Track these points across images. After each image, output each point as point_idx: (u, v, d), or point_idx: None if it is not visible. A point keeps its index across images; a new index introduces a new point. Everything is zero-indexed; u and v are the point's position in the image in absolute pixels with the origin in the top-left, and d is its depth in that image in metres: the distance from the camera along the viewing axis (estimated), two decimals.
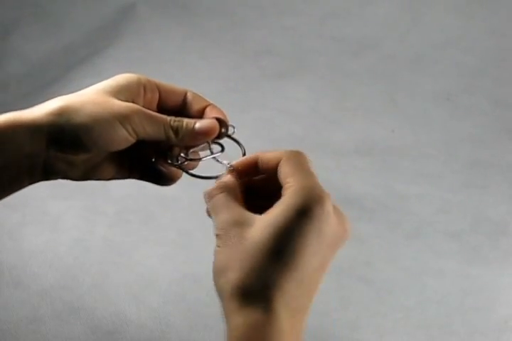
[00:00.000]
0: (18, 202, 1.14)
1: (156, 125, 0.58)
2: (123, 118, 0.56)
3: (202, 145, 0.62)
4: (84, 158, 0.58)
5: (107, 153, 0.59)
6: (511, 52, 1.56)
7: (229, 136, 0.61)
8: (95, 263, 1.07)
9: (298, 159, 0.54)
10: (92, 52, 1.50)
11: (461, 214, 1.20)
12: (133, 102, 0.59)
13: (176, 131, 0.59)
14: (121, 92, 0.59)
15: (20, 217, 1.13)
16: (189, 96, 0.63)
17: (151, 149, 0.63)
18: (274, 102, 1.41)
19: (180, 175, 0.63)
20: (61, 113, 0.56)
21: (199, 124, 0.60)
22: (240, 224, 0.52)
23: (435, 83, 1.50)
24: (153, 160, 0.63)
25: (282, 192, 0.52)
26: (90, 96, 0.58)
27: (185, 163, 0.61)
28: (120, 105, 0.57)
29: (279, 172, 0.54)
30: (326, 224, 0.51)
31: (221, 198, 0.54)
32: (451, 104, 1.45)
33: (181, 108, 0.63)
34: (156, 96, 0.61)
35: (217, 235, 0.53)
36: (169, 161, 0.61)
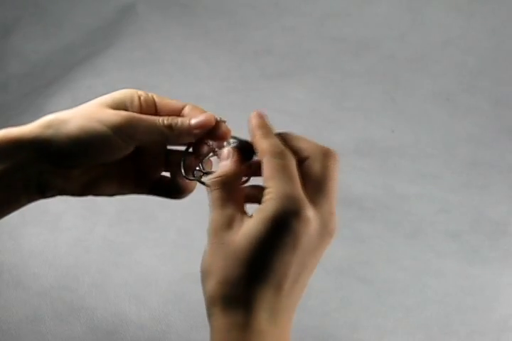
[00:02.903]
0: None
1: (149, 126, 0.57)
2: (113, 126, 0.55)
3: (211, 154, 0.60)
4: (79, 172, 0.58)
5: (104, 164, 0.58)
6: (511, 52, 1.56)
7: (235, 138, 0.61)
8: (95, 263, 1.07)
9: (280, 160, 0.53)
10: (92, 52, 1.50)
11: (461, 214, 1.20)
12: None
13: (171, 127, 0.58)
14: (115, 105, 0.58)
15: (20, 217, 1.13)
16: (187, 109, 0.61)
17: (160, 161, 0.62)
18: (274, 102, 1.41)
19: (194, 188, 0.62)
20: (49, 125, 0.55)
21: (195, 119, 0.59)
22: (227, 228, 0.53)
23: (435, 83, 1.50)
24: (169, 174, 0.62)
25: (264, 196, 0.52)
26: (82, 109, 0.57)
27: (202, 176, 0.60)
28: (109, 113, 0.56)
29: (262, 170, 0.53)
30: (304, 233, 0.51)
31: (215, 194, 0.54)
32: (451, 104, 1.45)
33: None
34: (153, 110, 0.60)
35: (208, 235, 0.54)
36: (185, 176, 0.60)
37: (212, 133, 0.59)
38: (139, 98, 0.60)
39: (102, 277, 1.05)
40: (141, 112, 0.59)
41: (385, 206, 1.20)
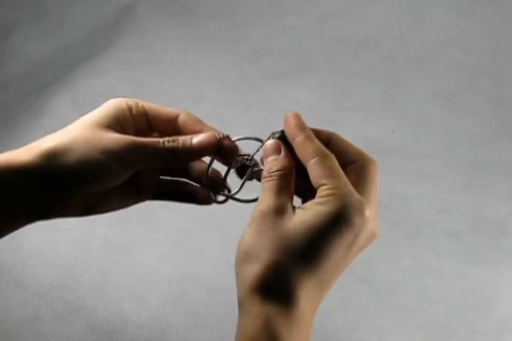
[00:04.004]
0: None
1: (151, 152, 0.56)
2: (113, 155, 0.54)
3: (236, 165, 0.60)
4: (80, 197, 0.57)
5: (105, 189, 0.57)
6: (511, 52, 1.56)
7: (245, 158, 0.60)
8: (95, 263, 1.07)
9: (331, 162, 0.53)
10: (92, 52, 1.50)
11: (461, 214, 1.20)
12: (123, 129, 0.57)
13: (173, 152, 0.56)
14: (110, 123, 0.57)
15: None
16: (181, 118, 0.60)
17: (159, 173, 0.61)
18: (274, 102, 1.41)
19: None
20: (50, 156, 0.55)
21: (197, 139, 0.57)
22: (278, 214, 0.52)
23: (435, 83, 1.50)
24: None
25: (319, 192, 0.52)
26: (79, 132, 0.56)
27: (229, 194, 0.60)
28: (110, 140, 0.55)
29: (310, 171, 0.53)
30: (363, 232, 0.52)
31: (272, 183, 0.54)
32: (451, 104, 1.45)
33: (174, 131, 0.59)
34: (145, 121, 0.59)
35: (253, 216, 0.52)
36: (214, 199, 0.60)
37: (217, 150, 0.58)
38: (130, 111, 0.58)
39: (102, 277, 1.05)
40: (134, 126, 0.58)
41: (384, 206, 1.20)
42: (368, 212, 0.51)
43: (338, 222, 0.50)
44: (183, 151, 0.56)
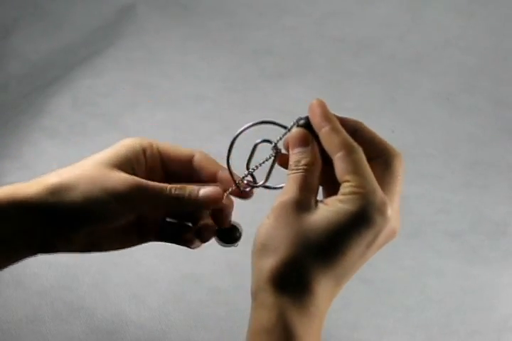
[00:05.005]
0: None
1: (155, 197, 0.55)
2: (117, 195, 0.54)
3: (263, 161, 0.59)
4: (82, 234, 0.57)
5: (108, 228, 0.57)
6: (511, 52, 1.56)
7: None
8: (95, 263, 1.07)
9: (357, 156, 0.52)
10: (92, 52, 1.50)
11: (461, 214, 1.20)
12: (133, 170, 0.57)
13: (178, 200, 0.56)
14: (120, 162, 0.56)
15: None
16: (197, 159, 0.59)
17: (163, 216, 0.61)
18: (274, 102, 1.41)
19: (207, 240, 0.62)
20: (54, 191, 0.54)
21: (203, 191, 0.57)
22: (300, 207, 0.51)
23: (435, 83, 1.50)
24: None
25: (342, 188, 0.51)
26: (87, 169, 0.55)
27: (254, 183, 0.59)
28: (117, 181, 0.54)
29: (336, 165, 0.52)
30: (383, 231, 0.51)
31: (299, 176, 0.53)
32: (451, 103, 1.45)
33: (189, 172, 0.59)
34: (158, 162, 0.59)
35: (273, 207, 0.52)
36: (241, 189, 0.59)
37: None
38: (144, 154, 0.58)
39: (102, 277, 1.05)
40: (146, 166, 0.58)
41: None
42: (390, 211, 0.51)
43: (358, 222, 0.50)
44: (188, 201, 0.56)
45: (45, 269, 1.05)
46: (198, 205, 0.57)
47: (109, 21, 1.59)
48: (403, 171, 0.55)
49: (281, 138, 0.58)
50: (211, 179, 0.59)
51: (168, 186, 0.56)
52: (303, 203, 0.51)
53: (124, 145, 0.58)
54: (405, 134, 1.36)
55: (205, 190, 0.57)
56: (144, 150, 0.58)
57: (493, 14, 1.62)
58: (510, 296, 1.06)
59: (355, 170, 0.51)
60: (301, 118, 0.57)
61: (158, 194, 0.56)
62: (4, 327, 0.97)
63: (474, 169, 1.29)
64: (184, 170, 0.59)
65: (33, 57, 1.50)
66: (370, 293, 1.06)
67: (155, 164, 0.59)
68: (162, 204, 0.56)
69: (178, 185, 0.56)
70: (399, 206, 0.54)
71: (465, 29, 1.60)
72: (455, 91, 1.47)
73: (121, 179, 0.55)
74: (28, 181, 0.57)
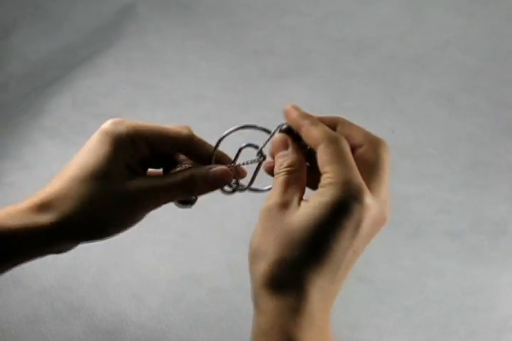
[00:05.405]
0: (18, 201, 1.14)
1: (171, 195, 0.61)
2: (135, 206, 0.60)
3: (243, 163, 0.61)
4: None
5: None
6: (511, 52, 1.56)
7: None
8: (95, 263, 1.07)
9: (337, 146, 0.53)
10: (92, 52, 1.50)
11: (461, 214, 1.20)
12: (128, 165, 0.58)
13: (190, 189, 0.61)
14: (117, 161, 0.58)
15: None
16: (183, 140, 0.62)
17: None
18: (274, 102, 1.41)
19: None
20: (66, 217, 0.57)
21: (213, 172, 0.60)
22: (282, 209, 0.51)
23: (435, 83, 1.50)
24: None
25: (321, 181, 0.51)
26: (91, 186, 0.57)
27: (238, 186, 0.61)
28: (129, 191, 0.58)
29: (318, 158, 0.53)
30: (364, 218, 0.50)
31: (282, 179, 0.54)
32: (451, 104, 1.45)
33: (179, 150, 0.62)
34: (147, 148, 0.60)
35: (259, 213, 0.53)
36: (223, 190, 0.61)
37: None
38: (134, 145, 0.60)
39: (102, 277, 1.05)
40: (138, 157, 0.61)
41: None
42: (368, 199, 0.51)
43: (336, 213, 0.50)
44: (201, 185, 0.60)
45: (45, 269, 1.05)
46: (209, 186, 0.60)
47: (109, 21, 1.59)
48: (389, 159, 0.55)
49: (264, 145, 0.59)
50: (204, 160, 0.62)
51: (179, 178, 0.60)
52: (285, 204, 0.52)
53: (112, 142, 0.58)
54: (405, 134, 1.36)
55: (214, 170, 0.59)
56: (132, 142, 0.59)
57: (493, 14, 1.62)
58: (510, 296, 1.06)
59: (333, 160, 0.52)
60: (283, 124, 0.58)
61: (172, 190, 0.62)
62: (4, 327, 0.97)
63: (474, 169, 1.29)
64: (174, 149, 0.62)
65: (33, 57, 1.50)
66: (370, 293, 1.06)
67: (144, 150, 0.60)
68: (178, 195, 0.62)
69: (187, 175, 0.60)
70: (388, 193, 0.53)
71: (465, 29, 1.60)
72: (455, 92, 1.47)
73: (134, 187, 0.58)
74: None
